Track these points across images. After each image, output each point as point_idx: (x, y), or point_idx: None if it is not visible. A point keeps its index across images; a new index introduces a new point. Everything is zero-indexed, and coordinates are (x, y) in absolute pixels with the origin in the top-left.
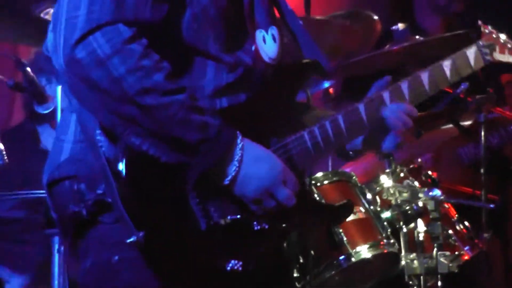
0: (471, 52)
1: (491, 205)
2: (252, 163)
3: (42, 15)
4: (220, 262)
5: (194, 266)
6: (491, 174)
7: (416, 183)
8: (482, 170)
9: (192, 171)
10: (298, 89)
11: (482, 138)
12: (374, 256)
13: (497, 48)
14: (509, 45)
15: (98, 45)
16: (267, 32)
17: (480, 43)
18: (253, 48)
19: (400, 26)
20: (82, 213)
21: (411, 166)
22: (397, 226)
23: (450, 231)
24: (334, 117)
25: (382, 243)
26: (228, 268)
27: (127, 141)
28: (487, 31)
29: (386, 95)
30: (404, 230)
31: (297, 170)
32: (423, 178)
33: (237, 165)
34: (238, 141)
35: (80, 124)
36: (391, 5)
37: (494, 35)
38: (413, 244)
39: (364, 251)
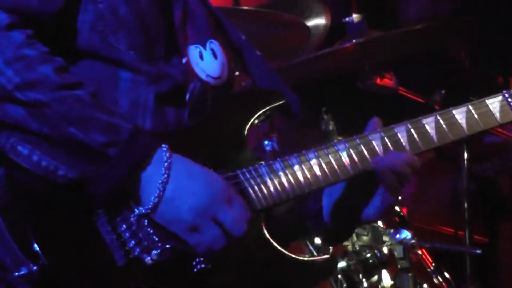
0: (494, 102)
1: (478, 250)
2: (183, 177)
3: None
4: None
5: None
6: (478, 210)
7: (380, 223)
8: (465, 205)
9: (100, 186)
10: (250, 118)
11: (465, 163)
12: None
13: None
14: None
15: None
16: (204, 47)
17: (506, 94)
18: (184, 61)
19: (355, 17)
20: None
21: None
22: (356, 279)
23: (425, 285)
24: (302, 153)
25: None
26: None
27: (13, 154)
28: None
29: (377, 141)
30: (365, 284)
31: (253, 209)
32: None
33: (165, 176)
34: (164, 148)
35: None
36: None
37: None
38: None
39: None
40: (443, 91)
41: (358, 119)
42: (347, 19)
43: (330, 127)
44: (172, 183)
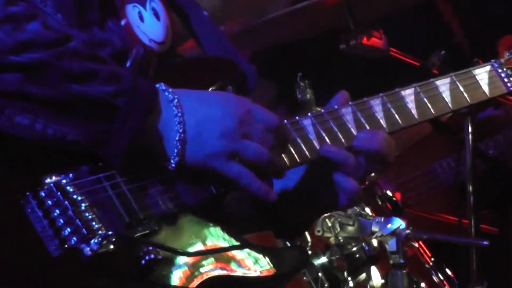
0: (482, 73)
1: (485, 242)
2: (197, 107)
3: None
4: None
5: None
6: (486, 195)
7: (368, 210)
8: (470, 188)
9: (116, 143)
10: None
11: (470, 138)
12: None
13: None
14: None
15: None
16: (144, 6)
17: (495, 64)
18: (123, 23)
19: None
20: None
21: None
22: (340, 278)
23: (423, 285)
24: None
25: None
26: None
27: (9, 128)
28: (507, 54)
29: (348, 116)
30: (351, 284)
31: (211, 191)
32: (379, 202)
33: (179, 115)
34: (163, 87)
35: None
36: None
37: None
38: None
39: None
40: (442, 52)
41: (341, 87)
42: None
43: (308, 96)
44: (190, 119)
